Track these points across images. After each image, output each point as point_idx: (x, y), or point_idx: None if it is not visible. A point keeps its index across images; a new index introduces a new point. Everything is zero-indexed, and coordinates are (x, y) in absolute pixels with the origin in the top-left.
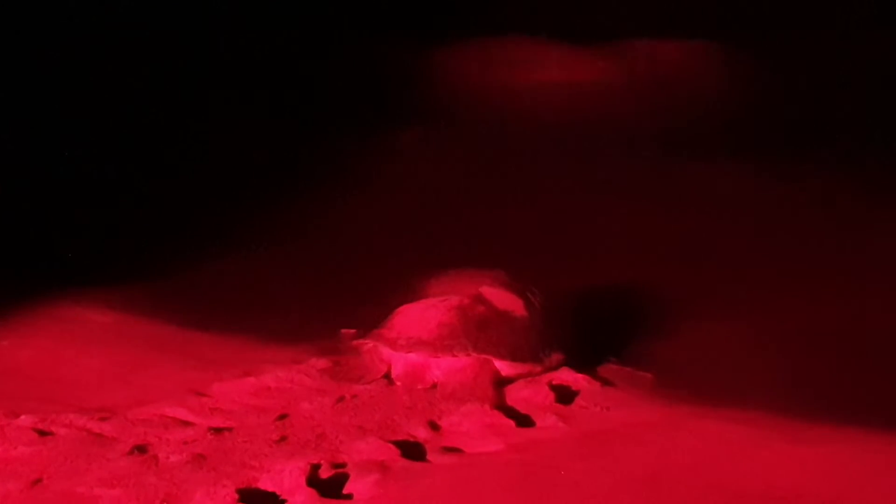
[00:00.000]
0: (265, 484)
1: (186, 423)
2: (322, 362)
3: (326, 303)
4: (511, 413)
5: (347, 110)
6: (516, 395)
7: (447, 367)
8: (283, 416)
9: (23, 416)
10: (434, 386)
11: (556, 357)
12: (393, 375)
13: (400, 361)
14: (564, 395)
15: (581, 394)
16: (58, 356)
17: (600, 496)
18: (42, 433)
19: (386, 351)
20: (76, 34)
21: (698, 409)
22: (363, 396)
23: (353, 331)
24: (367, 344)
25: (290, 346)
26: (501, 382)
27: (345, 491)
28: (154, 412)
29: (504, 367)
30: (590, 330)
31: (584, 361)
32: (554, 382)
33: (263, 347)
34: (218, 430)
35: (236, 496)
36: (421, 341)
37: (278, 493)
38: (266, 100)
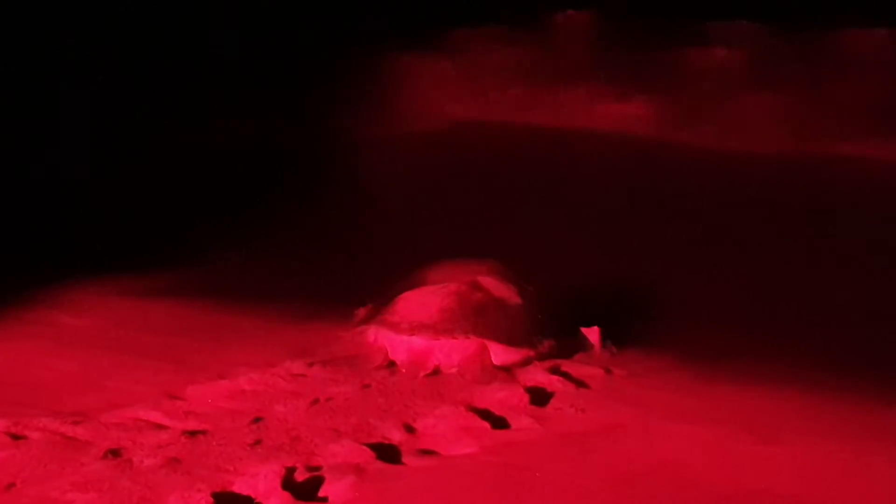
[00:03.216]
0: (240, 487)
1: (160, 427)
2: (296, 365)
3: (321, 295)
4: (486, 415)
5: None
6: (491, 397)
7: (448, 350)
8: (257, 420)
9: None
10: (436, 369)
11: (548, 343)
12: (396, 360)
13: (402, 346)
14: (539, 397)
15: (556, 395)
16: (30, 359)
17: (575, 497)
18: (15, 437)
19: (388, 335)
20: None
21: (673, 409)
22: (338, 399)
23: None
24: (370, 329)
25: (265, 347)
26: (498, 366)
27: (320, 494)
28: (128, 416)
29: (501, 351)
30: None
31: (572, 347)
32: (528, 384)
33: (237, 349)
34: (192, 434)
35: (211, 500)
36: (423, 325)
37: (253, 496)
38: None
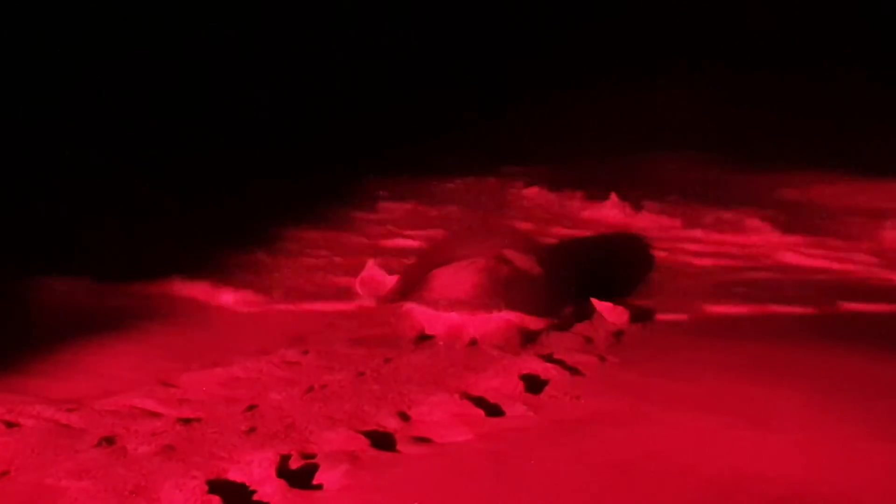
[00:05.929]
0: (234, 475)
1: (155, 414)
2: (291, 352)
3: None
4: (480, 402)
5: None
6: (486, 385)
7: (483, 323)
8: (252, 407)
9: None
10: (473, 341)
11: (570, 309)
12: (432, 334)
13: (438, 321)
14: (534, 385)
15: (550, 383)
16: (23, 345)
17: (570, 485)
18: (9, 424)
19: (424, 311)
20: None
21: (667, 397)
22: (333, 386)
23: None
24: (406, 305)
25: (259, 334)
26: (528, 335)
27: (315, 481)
28: (122, 403)
29: (531, 322)
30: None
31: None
32: (523, 371)
33: (232, 337)
34: (187, 421)
35: (205, 487)
36: (459, 301)
37: (248, 484)
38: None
